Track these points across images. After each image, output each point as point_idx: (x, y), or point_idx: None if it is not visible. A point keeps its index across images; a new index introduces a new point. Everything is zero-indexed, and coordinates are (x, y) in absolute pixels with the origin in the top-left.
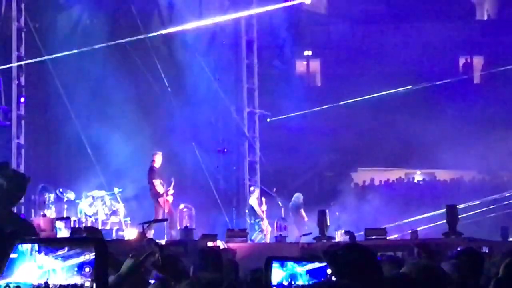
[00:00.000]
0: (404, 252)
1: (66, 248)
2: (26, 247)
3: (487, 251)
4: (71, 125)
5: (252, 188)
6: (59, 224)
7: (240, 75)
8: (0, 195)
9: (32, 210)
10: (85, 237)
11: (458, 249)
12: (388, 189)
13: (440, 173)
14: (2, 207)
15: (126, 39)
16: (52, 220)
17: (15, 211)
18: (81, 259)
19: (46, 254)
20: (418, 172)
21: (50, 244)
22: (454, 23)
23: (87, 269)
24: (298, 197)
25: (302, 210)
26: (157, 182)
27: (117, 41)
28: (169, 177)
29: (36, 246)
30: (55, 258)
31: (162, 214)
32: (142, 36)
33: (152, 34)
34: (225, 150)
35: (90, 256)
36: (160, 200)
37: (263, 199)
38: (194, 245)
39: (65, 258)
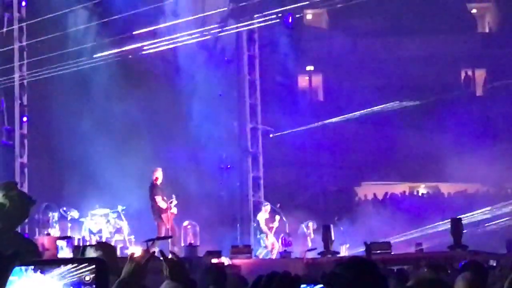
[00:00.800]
0: (409, 266)
1: (63, 267)
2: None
3: (494, 264)
4: (74, 144)
5: (265, 203)
6: (61, 243)
7: (242, 90)
8: (3, 215)
9: (36, 229)
10: (85, 258)
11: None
12: (393, 203)
13: (444, 186)
14: (5, 227)
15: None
16: (56, 239)
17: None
18: (80, 278)
19: (42, 272)
20: (422, 185)
21: (49, 264)
22: (455, 36)
23: None
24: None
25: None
26: (159, 199)
27: (116, 53)
28: (171, 193)
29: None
30: (52, 277)
31: (165, 231)
32: (141, 46)
33: (150, 49)
34: (228, 166)
35: (90, 276)
36: (163, 216)
37: (277, 217)
38: (198, 262)
39: (62, 277)
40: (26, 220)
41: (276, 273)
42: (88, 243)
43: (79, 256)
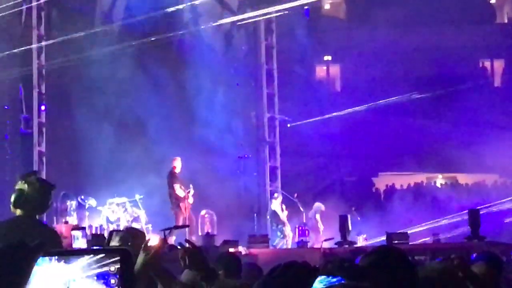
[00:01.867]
0: (426, 257)
1: (87, 257)
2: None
3: None
4: (92, 133)
5: (275, 195)
6: (76, 233)
7: (260, 80)
8: (24, 203)
9: (54, 217)
10: (110, 248)
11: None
12: (410, 194)
13: (462, 177)
14: (26, 213)
15: (142, 40)
16: (74, 227)
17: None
18: (104, 268)
19: (66, 262)
20: (440, 176)
21: (74, 254)
22: (474, 26)
23: (112, 281)
24: (318, 206)
25: (318, 216)
26: (177, 187)
27: (132, 43)
28: (189, 183)
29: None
30: (76, 267)
31: (183, 220)
32: (158, 37)
33: (166, 35)
34: (246, 156)
35: (114, 266)
36: (181, 205)
37: (283, 205)
38: (215, 251)
39: (86, 267)
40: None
41: (293, 263)
42: (105, 232)
43: (106, 241)
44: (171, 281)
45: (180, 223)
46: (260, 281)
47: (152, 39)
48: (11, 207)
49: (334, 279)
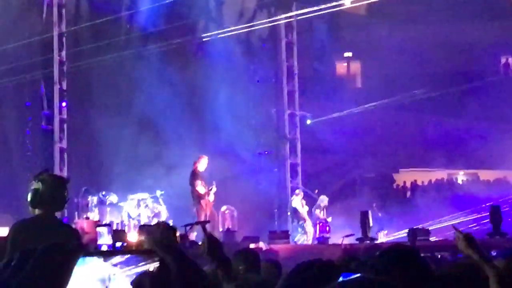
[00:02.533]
0: (447, 253)
1: (125, 257)
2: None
3: None
4: (113, 129)
5: (297, 191)
6: (101, 229)
7: (280, 77)
8: (40, 201)
9: (76, 213)
10: (148, 249)
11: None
12: (431, 190)
13: (484, 173)
14: (45, 212)
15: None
16: (95, 223)
17: (59, 214)
18: (143, 268)
19: (105, 260)
20: (461, 172)
21: (112, 254)
22: (494, 22)
23: None
24: (321, 199)
25: (318, 211)
26: (198, 183)
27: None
28: (212, 181)
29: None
30: (114, 265)
31: (204, 217)
32: (179, 40)
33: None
34: (266, 152)
35: (153, 266)
36: (202, 202)
37: (303, 201)
38: (236, 247)
39: (124, 266)
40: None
41: (316, 261)
42: (126, 228)
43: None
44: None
45: (202, 219)
46: (284, 279)
47: (174, 42)
48: (29, 207)
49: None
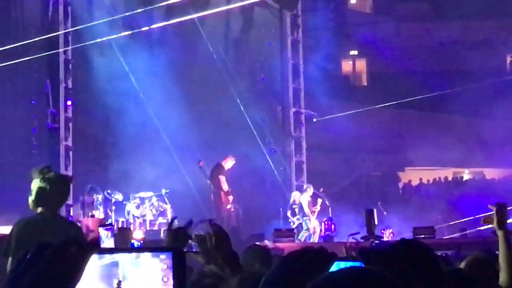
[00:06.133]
0: (453, 252)
1: (139, 254)
2: None
3: None
4: (118, 127)
5: (305, 187)
6: (103, 232)
7: (285, 75)
8: (43, 198)
9: (81, 211)
10: (162, 247)
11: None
12: (437, 188)
13: (489, 172)
14: (50, 211)
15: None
16: (100, 221)
17: (64, 212)
18: (157, 266)
19: (118, 259)
20: (467, 171)
21: (126, 251)
22: (500, 20)
23: (165, 278)
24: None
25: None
26: (223, 179)
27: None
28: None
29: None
30: (127, 264)
31: (223, 212)
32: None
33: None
34: (272, 150)
35: (167, 264)
36: (224, 198)
37: (319, 200)
38: (241, 245)
39: (137, 264)
40: (71, 202)
41: (309, 248)
42: (131, 226)
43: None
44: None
45: (222, 215)
46: (276, 266)
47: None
48: (31, 205)
49: (352, 263)
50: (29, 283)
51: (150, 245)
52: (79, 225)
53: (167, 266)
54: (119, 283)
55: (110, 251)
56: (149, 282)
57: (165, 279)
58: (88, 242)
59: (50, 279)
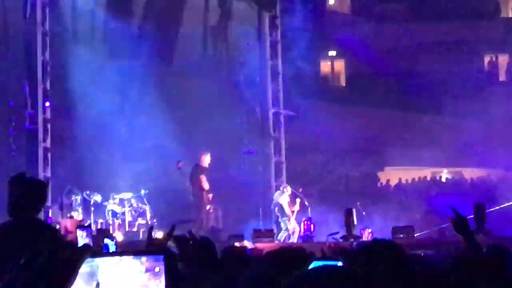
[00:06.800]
0: (432, 251)
1: (131, 257)
2: None
3: None
4: (97, 128)
5: (282, 187)
6: (80, 232)
7: (264, 76)
8: (19, 204)
9: (60, 212)
10: (155, 250)
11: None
12: (415, 188)
13: (468, 172)
14: (25, 215)
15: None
16: (79, 222)
17: (43, 214)
18: (148, 269)
19: (110, 262)
20: (445, 170)
21: (118, 255)
22: (478, 21)
23: (157, 281)
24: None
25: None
26: (204, 178)
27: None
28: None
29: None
30: (119, 267)
31: (204, 213)
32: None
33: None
34: (251, 151)
35: (159, 267)
36: (205, 197)
37: (297, 200)
38: (221, 246)
39: (130, 267)
40: (50, 204)
41: (287, 248)
42: (110, 227)
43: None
44: None
45: (203, 215)
46: (253, 265)
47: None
48: (8, 210)
49: (330, 263)
50: (24, 287)
51: (130, 247)
52: (58, 227)
53: (147, 269)
54: (97, 285)
55: (104, 255)
56: (130, 284)
57: (157, 281)
58: (81, 247)
59: (43, 283)
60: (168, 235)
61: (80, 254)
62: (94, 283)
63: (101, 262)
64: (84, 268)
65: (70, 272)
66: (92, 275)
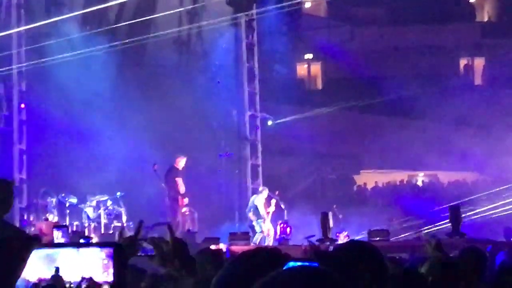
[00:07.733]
0: (407, 254)
1: (80, 249)
2: None
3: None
4: (73, 130)
5: (260, 188)
6: (56, 233)
7: (241, 78)
8: None
9: (35, 215)
10: (106, 242)
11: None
12: (391, 191)
13: (443, 175)
14: None
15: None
16: (54, 224)
17: (18, 216)
18: (98, 261)
19: (59, 254)
20: (421, 174)
21: (67, 246)
22: (454, 25)
23: (105, 273)
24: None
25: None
26: (180, 181)
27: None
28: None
29: None
30: (69, 258)
31: (179, 215)
32: (138, 38)
33: (152, 35)
34: (228, 154)
35: (107, 259)
36: (180, 200)
37: (273, 201)
38: (196, 249)
39: (80, 258)
40: (25, 205)
41: (262, 248)
42: (86, 230)
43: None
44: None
45: (178, 218)
46: (227, 267)
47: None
48: None
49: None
50: None
51: None
52: (33, 229)
53: (102, 259)
54: (57, 269)
55: (50, 246)
56: (88, 269)
57: (105, 272)
58: (29, 237)
59: None
60: (137, 232)
61: (28, 244)
62: (53, 268)
63: (61, 250)
64: (45, 254)
65: (17, 262)
66: (52, 260)
